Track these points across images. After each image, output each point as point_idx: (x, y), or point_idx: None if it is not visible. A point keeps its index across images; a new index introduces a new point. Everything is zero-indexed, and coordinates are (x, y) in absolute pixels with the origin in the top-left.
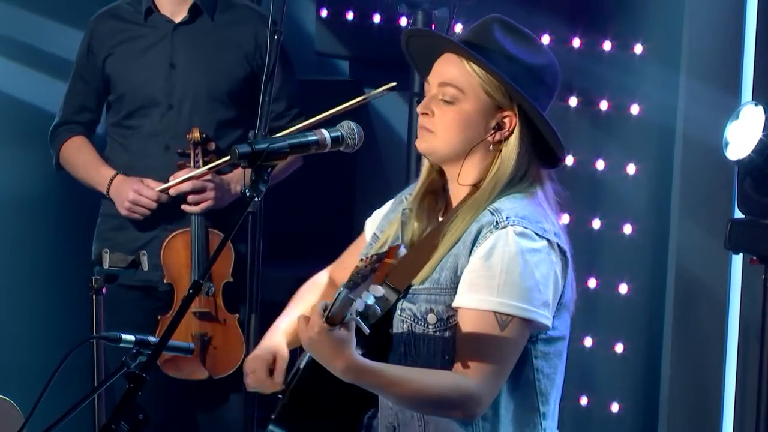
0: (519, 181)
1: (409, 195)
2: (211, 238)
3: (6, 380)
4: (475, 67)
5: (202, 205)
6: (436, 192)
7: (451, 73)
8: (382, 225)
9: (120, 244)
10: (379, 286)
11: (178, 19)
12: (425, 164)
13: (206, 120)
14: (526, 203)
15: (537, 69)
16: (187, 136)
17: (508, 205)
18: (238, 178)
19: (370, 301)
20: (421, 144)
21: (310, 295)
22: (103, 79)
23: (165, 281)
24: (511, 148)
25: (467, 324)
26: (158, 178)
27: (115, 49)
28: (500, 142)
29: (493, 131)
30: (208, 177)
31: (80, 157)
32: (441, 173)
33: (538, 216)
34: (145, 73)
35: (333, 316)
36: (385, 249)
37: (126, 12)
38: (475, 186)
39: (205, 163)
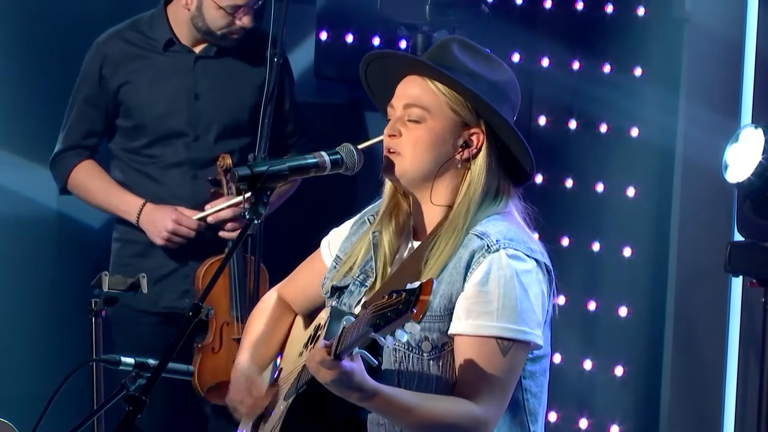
0: (493, 199)
1: (371, 217)
2: (248, 263)
3: (6, 403)
4: (440, 86)
5: None
6: (401, 214)
7: (416, 93)
8: (344, 247)
9: (144, 271)
10: (416, 324)
11: (198, 50)
12: (388, 186)
13: (231, 148)
14: (508, 224)
15: (500, 85)
16: (218, 163)
17: (493, 228)
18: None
19: (404, 338)
20: (389, 171)
21: (260, 319)
22: (115, 105)
23: None
24: (480, 165)
25: (468, 351)
26: (188, 206)
27: (132, 76)
28: (468, 159)
29: (461, 149)
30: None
31: (95, 182)
32: (405, 195)
33: (523, 236)
34: (169, 103)
35: (340, 353)
36: (415, 285)
37: (135, 38)
38: (450, 207)
39: (237, 189)
